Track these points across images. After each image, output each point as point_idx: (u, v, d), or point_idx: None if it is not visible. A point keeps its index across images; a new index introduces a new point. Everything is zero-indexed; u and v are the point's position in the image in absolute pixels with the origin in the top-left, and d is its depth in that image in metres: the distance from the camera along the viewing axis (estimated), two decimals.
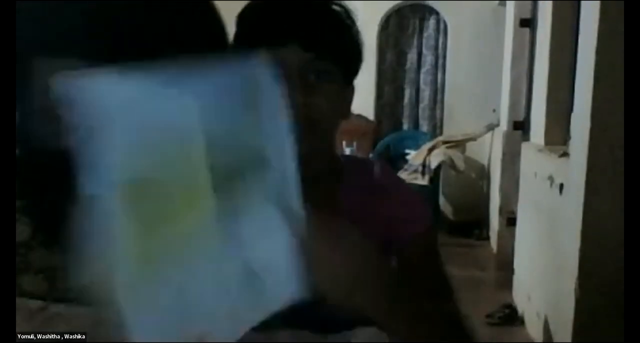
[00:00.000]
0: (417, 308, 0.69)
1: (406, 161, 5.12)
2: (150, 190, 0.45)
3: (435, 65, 5.67)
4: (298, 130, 0.78)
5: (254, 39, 0.77)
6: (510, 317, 3.15)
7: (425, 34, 5.69)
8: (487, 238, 4.78)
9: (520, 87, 3.90)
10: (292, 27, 0.77)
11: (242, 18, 0.81)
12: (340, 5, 0.83)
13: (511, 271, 3.52)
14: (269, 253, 0.53)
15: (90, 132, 0.42)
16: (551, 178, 2.53)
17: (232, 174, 0.50)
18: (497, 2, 4.97)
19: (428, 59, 5.68)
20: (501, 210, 4.11)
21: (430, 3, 5.52)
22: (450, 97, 5.57)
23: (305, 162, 0.64)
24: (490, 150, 5.10)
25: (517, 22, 3.87)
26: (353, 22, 0.84)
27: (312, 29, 0.78)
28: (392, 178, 0.92)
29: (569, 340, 1.93)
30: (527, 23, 3.76)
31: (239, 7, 0.83)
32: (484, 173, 5.29)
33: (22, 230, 0.66)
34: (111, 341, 0.63)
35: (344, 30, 0.82)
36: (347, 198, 0.84)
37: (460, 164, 4.91)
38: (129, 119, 0.43)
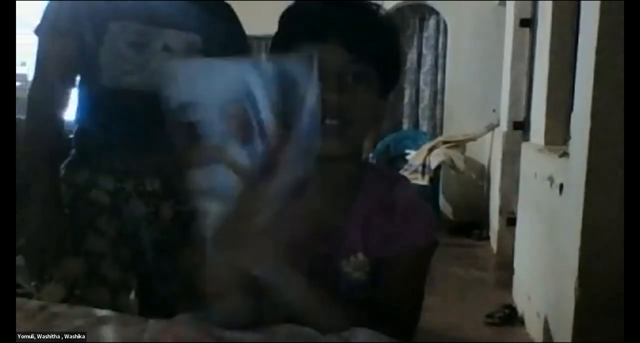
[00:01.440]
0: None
1: (406, 161, 5.12)
2: None
3: (435, 65, 5.66)
4: (327, 130, 0.78)
5: (298, 34, 0.79)
6: (510, 317, 3.14)
7: (425, 34, 5.68)
8: (487, 238, 4.78)
9: (520, 87, 3.90)
10: (339, 26, 0.78)
11: (289, 13, 0.83)
12: (391, 23, 0.86)
13: (511, 271, 3.51)
14: None
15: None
16: (551, 179, 2.53)
17: None
18: (497, 2, 4.97)
19: (428, 59, 5.68)
20: (501, 211, 4.10)
21: (430, 3, 5.51)
22: (450, 97, 5.56)
23: (330, 162, 0.65)
24: (490, 150, 5.10)
25: (517, 22, 3.87)
26: (398, 39, 0.87)
27: (358, 32, 0.79)
28: (408, 197, 0.89)
29: (569, 340, 1.93)
30: (527, 23, 3.76)
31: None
32: (484, 174, 5.28)
33: None
34: (111, 341, 0.63)
35: (389, 43, 0.84)
36: (360, 207, 0.85)
37: (460, 164, 4.90)
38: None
